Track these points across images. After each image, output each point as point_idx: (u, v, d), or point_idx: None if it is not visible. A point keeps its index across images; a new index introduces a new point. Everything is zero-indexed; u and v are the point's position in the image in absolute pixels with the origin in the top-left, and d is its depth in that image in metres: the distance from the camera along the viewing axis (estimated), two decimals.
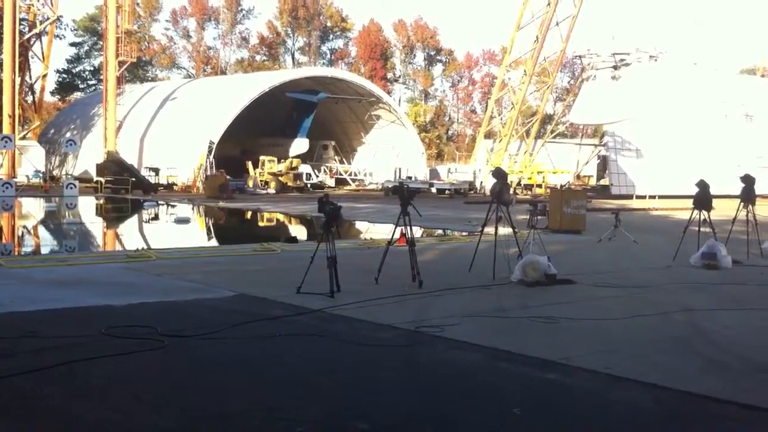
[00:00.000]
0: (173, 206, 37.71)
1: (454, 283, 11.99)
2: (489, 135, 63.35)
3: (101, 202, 41.33)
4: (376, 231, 24.23)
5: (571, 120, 64.28)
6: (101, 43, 68.25)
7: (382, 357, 7.61)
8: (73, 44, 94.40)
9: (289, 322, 8.96)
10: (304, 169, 57.22)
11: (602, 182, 63.54)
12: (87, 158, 53.34)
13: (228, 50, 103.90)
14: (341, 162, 64.89)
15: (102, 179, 46.78)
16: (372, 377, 6.83)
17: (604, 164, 62.73)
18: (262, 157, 55.19)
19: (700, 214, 16.27)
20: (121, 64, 55.23)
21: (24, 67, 52.91)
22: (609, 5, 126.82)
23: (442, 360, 7.53)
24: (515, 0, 58.27)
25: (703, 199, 16.35)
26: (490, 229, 13.64)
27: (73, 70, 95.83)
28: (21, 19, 50.89)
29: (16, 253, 18.44)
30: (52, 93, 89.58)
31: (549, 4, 55.11)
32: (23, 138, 53.29)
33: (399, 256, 12.22)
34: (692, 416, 6.04)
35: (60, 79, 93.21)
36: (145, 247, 17.25)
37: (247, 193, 49.20)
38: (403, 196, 12.14)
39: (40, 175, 51.08)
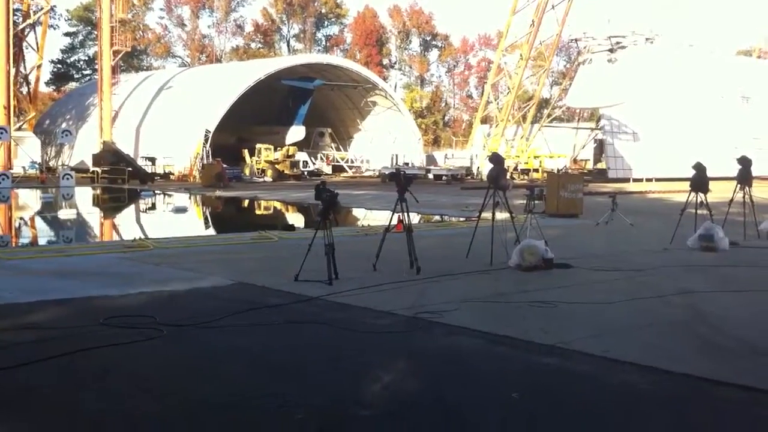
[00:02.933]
0: (170, 195, 37.67)
1: (452, 268, 12.00)
2: (485, 120, 63.30)
3: (98, 192, 41.26)
4: (373, 218, 24.23)
5: (567, 104, 64.16)
6: (95, 32, 67.86)
7: (381, 343, 7.62)
8: (67, 34, 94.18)
9: (287, 310, 8.97)
10: (301, 156, 57.07)
11: (599, 166, 63.46)
12: (83, 148, 53.20)
13: (223, 38, 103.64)
14: (338, 149, 64.79)
15: (98, 169, 46.64)
16: (371, 363, 6.85)
17: (600, 148, 62.64)
18: (258, 145, 55.08)
19: (697, 197, 16.26)
20: (115, 53, 55.04)
21: (18, 57, 52.72)
22: None
23: (441, 345, 7.55)
24: None
25: (699, 181, 16.34)
26: (487, 215, 13.64)
27: (68, 60, 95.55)
28: (15, 10, 50.59)
29: (14, 245, 18.42)
30: (47, 83, 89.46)
31: None
32: (19, 129, 53.13)
33: (397, 243, 12.22)
34: (691, 398, 6.06)
35: (55, 70, 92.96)
36: (143, 236, 17.26)
37: (243, 182, 49.10)
38: (400, 183, 12.15)
39: (37, 166, 50.93)
